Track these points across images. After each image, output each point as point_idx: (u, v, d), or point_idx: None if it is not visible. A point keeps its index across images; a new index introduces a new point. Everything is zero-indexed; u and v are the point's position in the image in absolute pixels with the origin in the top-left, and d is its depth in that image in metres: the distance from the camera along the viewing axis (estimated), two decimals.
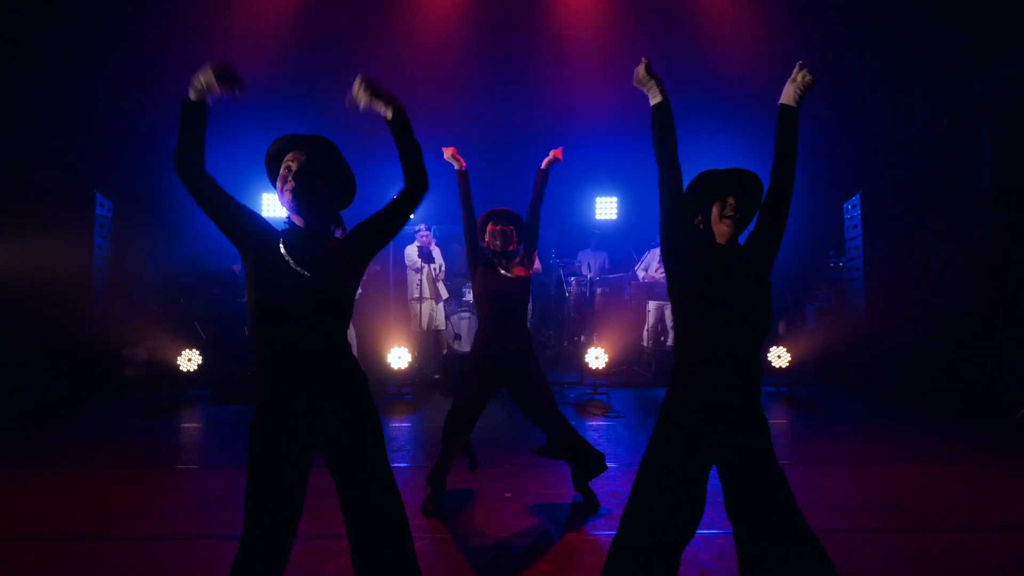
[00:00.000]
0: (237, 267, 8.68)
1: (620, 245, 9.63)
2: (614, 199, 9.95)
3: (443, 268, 8.17)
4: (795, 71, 2.10)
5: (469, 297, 8.51)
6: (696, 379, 2.00)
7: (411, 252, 8.05)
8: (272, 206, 8.98)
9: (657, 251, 7.90)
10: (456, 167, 3.62)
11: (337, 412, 1.92)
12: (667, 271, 2.10)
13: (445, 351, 8.00)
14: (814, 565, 1.94)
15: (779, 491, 1.97)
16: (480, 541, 3.20)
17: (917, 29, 7.29)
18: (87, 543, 3.16)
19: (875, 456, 4.70)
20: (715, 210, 2.05)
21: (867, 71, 8.07)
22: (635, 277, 8.82)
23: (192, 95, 1.89)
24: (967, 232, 7.35)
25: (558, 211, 9.30)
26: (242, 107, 7.67)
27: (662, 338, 8.24)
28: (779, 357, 6.89)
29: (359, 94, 2.01)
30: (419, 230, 8.09)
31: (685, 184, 2.10)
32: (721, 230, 2.04)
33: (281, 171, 1.96)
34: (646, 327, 8.41)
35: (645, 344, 8.35)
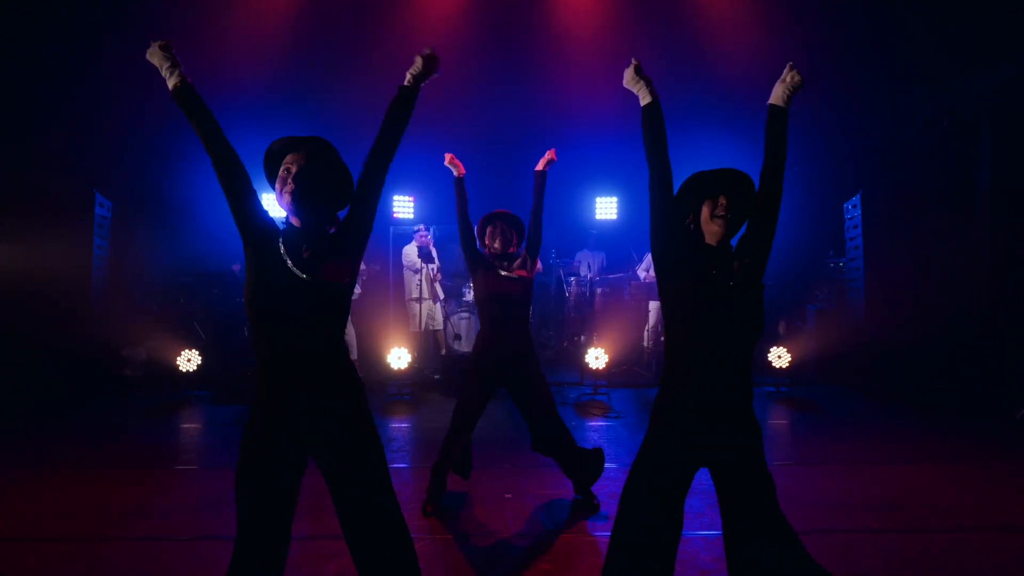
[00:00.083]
0: (237, 267, 8.67)
1: (620, 245, 9.63)
2: (614, 199, 9.95)
3: (439, 268, 8.17)
4: (785, 71, 2.11)
5: (469, 297, 8.51)
6: (686, 379, 2.00)
7: (410, 252, 8.05)
8: (271, 207, 8.98)
9: None
10: (455, 173, 3.63)
11: (335, 412, 1.92)
12: (657, 271, 2.10)
13: (444, 351, 8.00)
14: (802, 565, 1.95)
15: (765, 493, 1.97)
16: (480, 541, 3.20)
17: (917, 29, 7.29)
18: (87, 543, 3.16)
19: (875, 456, 4.70)
20: (706, 210, 2.05)
21: (867, 71, 8.07)
22: (635, 277, 8.83)
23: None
24: (967, 232, 7.35)
25: (558, 211, 9.30)
26: (242, 107, 7.69)
27: (663, 338, 8.23)
28: (779, 357, 6.89)
29: (423, 64, 2.08)
30: (418, 230, 8.08)
31: (676, 184, 2.10)
32: (712, 230, 2.04)
33: (280, 173, 1.96)
34: (647, 327, 8.41)
35: (646, 344, 8.35)
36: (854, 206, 8.26)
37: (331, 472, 1.94)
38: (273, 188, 1.99)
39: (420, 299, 7.98)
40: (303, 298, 1.87)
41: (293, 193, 1.92)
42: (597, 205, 10.00)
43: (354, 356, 7.42)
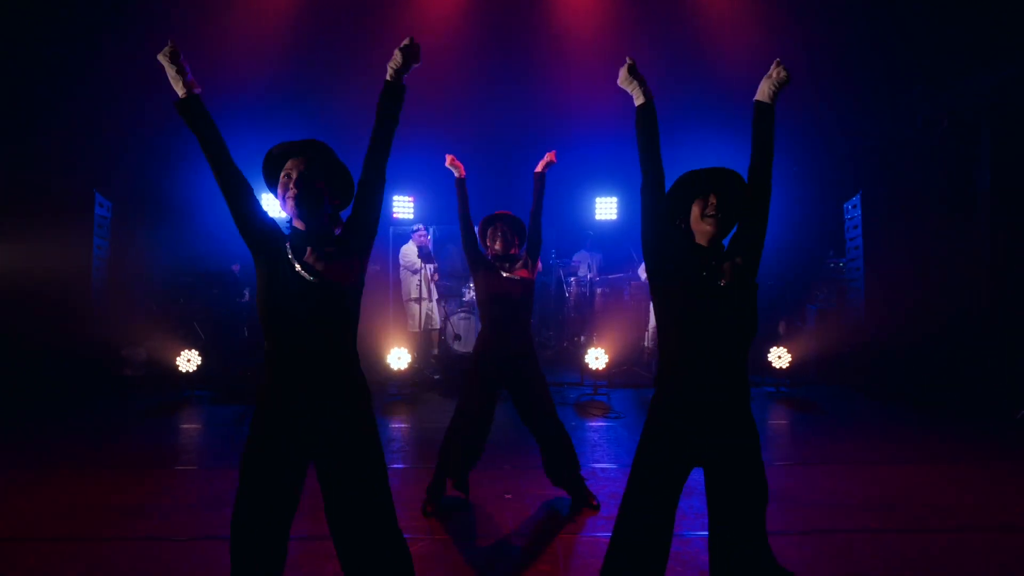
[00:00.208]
0: (237, 267, 8.68)
1: (620, 245, 9.63)
2: (614, 199, 9.95)
3: (437, 268, 8.18)
4: (772, 67, 2.10)
5: (468, 297, 8.51)
6: (680, 380, 2.00)
7: (409, 252, 8.05)
8: (271, 207, 8.99)
9: None
10: (456, 174, 3.64)
11: (334, 412, 1.92)
12: (648, 271, 2.10)
13: (435, 351, 7.99)
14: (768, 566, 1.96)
15: (755, 496, 1.97)
16: (480, 541, 3.20)
17: (917, 29, 7.29)
18: (87, 543, 3.16)
19: (875, 456, 4.70)
20: (696, 210, 2.04)
21: (867, 71, 8.07)
22: (635, 277, 8.83)
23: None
24: (967, 232, 7.35)
25: (558, 211, 9.30)
26: (242, 107, 7.70)
27: None
28: (779, 357, 6.89)
29: (402, 56, 2.04)
30: (416, 230, 8.08)
31: (669, 185, 2.10)
32: (702, 230, 2.03)
33: (281, 179, 1.98)
34: (648, 328, 8.41)
35: (646, 344, 8.35)
36: (854, 206, 8.26)
37: (328, 472, 1.93)
38: (273, 193, 2.01)
39: (420, 299, 7.98)
40: (312, 300, 1.88)
41: (296, 198, 1.94)
42: (597, 205, 10.00)
43: None
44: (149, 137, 8.47)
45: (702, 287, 1.96)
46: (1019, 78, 6.73)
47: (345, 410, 1.94)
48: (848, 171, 8.71)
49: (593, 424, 5.71)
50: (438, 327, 8.20)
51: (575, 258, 9.92)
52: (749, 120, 2.11)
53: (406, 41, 2.03)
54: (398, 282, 8.53)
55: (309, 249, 1.91)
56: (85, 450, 4.87)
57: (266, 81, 8.13)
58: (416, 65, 2.06)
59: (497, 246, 3.52)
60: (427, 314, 8.04)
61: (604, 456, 4.70)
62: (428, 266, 7.89)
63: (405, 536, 2.04)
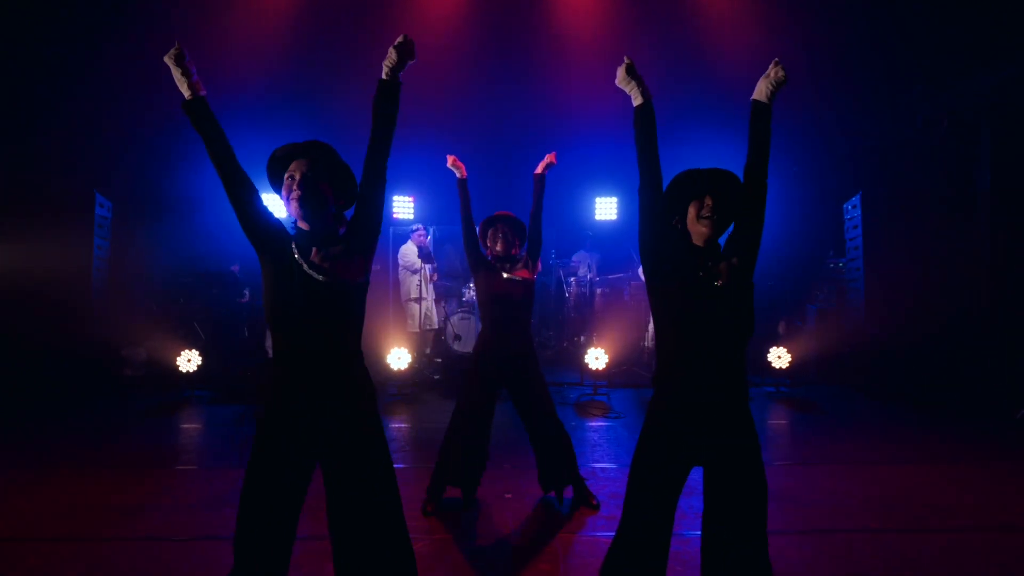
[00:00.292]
0: (236, 267, 8.68)
1: (620, 246, 9.63)
2: (614, 199, 9.94)
3: (436, 268, 8.18)
4: (770, 67, 2.10)
5: (468, 297, 8.51)
6: (677, 380, 2.00)
7: (408, 252, 8.05)
8: (273, 208, 8.97)
9: None
10: (457, 175, 3.65)
11: (336, 412, 1.93)
12: (645, 271, 2.10)
13: (428, 349, 7.99)
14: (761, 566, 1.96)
15: (754, 497, 1.96)
16: (480, 541, 3.20)
17: (917, 29, 7.29)
18: (87, 543, 3.16)
19: (875, 456, 4.70)
20: (692, 210, 2.04)
21: (867, 71, 8.06)
22: (635, 277, 8.83)
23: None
24: (967, 232, 7.35)
25: (558, 211, 9.30)
26: (242, 107, 7.70)
27: None
28: (779, 357, 6.89)
29: (397, 53, 2.03)
30: (416, 230, 8.08)
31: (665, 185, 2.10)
32: (698, 231, 2.03)
33: (285, 180, 1.99)
34: (648, 328, 8.41)
35: (646, 344, 8.34)
36: (854, 206, 8.26)
37: (332, 472, 1.94)
38: (277, 194, 2.02)
39: (420, 299, 7.98)
40: (321, 299, 1.90)
41: (300, 199, 1.95)
42: (597, 205, 9.99)
43: None
44: (149, 137, 8.47)
45: (699, 287, 1.96)
46: (1019, 78, 6.73)
47: (351, 409, 1.95)
48: (848, 171, 8.71)
49: (593, 424, 5.71)
50: (436, 327, 8.20)
51: (575, 258, 9.92)
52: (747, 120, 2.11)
53: (400, 38, 2.03)
54: (398, 282, 8.53)
55: (315, 249, 1.93)
56: (85, 450, 4.87)
57: (266, 81, 8.13)
58: (412, 62, 2.06)
59: (498, 247, 3.53)
60: (426, 314, 8.04)
61: (604, 456, 4.70)
62: (427, 266, 7.89)
63: None
